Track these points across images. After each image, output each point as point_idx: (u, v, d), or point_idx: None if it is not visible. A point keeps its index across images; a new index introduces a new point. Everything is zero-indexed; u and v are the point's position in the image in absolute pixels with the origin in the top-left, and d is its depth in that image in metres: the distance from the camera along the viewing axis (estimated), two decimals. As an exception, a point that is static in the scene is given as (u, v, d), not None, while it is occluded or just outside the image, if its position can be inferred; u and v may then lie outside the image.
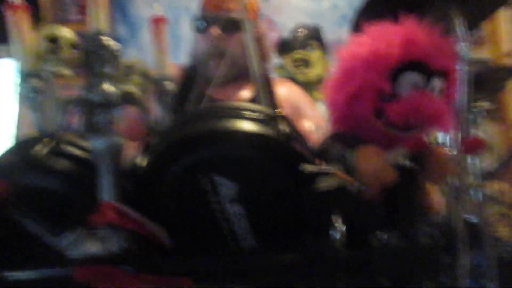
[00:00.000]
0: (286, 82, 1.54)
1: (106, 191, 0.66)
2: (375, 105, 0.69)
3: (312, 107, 1.53)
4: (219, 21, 1.26)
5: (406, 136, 0.68)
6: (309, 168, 0.62)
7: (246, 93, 1.38)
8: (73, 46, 0.70)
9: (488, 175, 2.02)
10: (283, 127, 0.61)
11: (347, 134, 0.77)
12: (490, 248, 1.58)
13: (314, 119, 1.43)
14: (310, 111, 1.46)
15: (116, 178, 0.67)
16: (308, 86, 2.10)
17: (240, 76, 1.37)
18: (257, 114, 0.66)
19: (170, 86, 0.79)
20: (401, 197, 0.67)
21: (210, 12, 1.28)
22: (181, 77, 1.35)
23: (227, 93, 1.37)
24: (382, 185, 0.64)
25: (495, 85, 1.84)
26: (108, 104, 0.69)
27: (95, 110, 0.70)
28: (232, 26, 1.26)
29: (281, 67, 2.20)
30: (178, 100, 1.25)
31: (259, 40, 1.38)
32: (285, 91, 1.43)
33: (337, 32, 3.00)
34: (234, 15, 1.26)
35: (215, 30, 1.26)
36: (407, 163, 0.69)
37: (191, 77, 1.35)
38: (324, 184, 0.61)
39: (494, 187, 2.71)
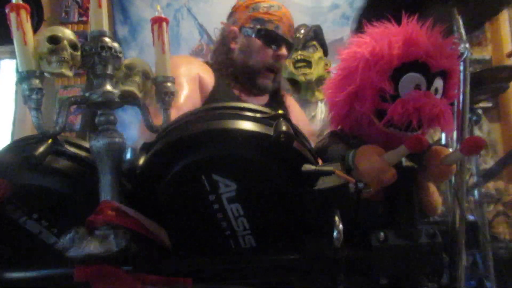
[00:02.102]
0: (288, 95, 1.62)
1: (106, 191, 0.66)
2: (375, 105, 0.69)
3: (307, 125, 1.63)
4: (289, 44, 1.45)
5: (406, 136, 0.68)
6: (309, 167, 0.62)
7: (262, 99, 1.46)
8: (74, 47, 0.70)
9: (488, 175, 2.02)
10: (283, 126, 0.61)
11: (347, 134, 0.77)
12: (489, 247, 1.58)
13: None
14: (306, 129, 1.52)
15: (116, 177, 0.67)
16: (309, 86, 2.10)
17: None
18: (257, 113, 0.66)
19: (170, 86, 0.79)
20: (401, 197, 0.67)
21: (285, 34, 1.43)
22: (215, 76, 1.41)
23: (249, 96, 1.43)
24: (382, 184, 0.64)
25: (496, 86, 1.84)
26: (108, 104, 0.69)
27: (96, 110, 0.70)
28: (290, 51, 1.48)
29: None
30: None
31: None
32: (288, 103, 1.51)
33: (338, 32, 3.00)
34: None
35: (285, 50, 1.43)
36: (407, 163, 0.69)
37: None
38: (324, 183, 0.61)
39: (494, 186, 2.71)
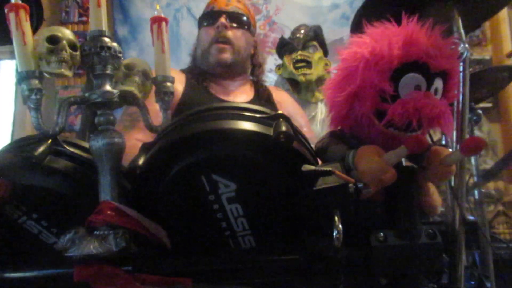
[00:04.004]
0: (278, 91, 1.59)
1: (106, 191, 0.66)
2: (375, 106, 0.69)
3: (305, 117, 1.60)
4: (228, 13, 1.41)
5: (406, 137, 0.68)
6: (308, 167, 0.62)
7: (245, 96, 1.43)
8: (74, 47, 0.70)
9: (488, 175, 2.03)
10: (283, 126, 0.61)
11: (347, 134, 0.77)
12: (489, 247, 1.58)
13: (306, 128, 1.48)
14: (303, 121, 1.51)
15: (116, 178, 0.67)
16: (309, 86, 2.10)
17: (239, 74, 1.47)
18: (256, 113, 0.66)
19: (170, 86, 0.79)
20: (401, 197, 0.67)
21: (222, 7, 1.42)
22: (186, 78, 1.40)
23: (229, 93, 1.41)
24: (382, 185, 0.64)
25: (496, 85, 1.84)
26: (108, 104, 0.69)
27: (96, 110, 0.70)
28: (238, 20, 1.42)
29: (282, 67, 2.20)
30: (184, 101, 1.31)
31: (254, 48, 1.52)
32: (278, 99, 1.49)
33: (337, 32, 3.00)
34: (242, 11, 1.43)
35: (224, 19, 1.39)
36: (407, 163, 0.69)
37: (195, 76, 1.40)
38: (324, 184, 0.61)
39: (494, 186, 2.71)
